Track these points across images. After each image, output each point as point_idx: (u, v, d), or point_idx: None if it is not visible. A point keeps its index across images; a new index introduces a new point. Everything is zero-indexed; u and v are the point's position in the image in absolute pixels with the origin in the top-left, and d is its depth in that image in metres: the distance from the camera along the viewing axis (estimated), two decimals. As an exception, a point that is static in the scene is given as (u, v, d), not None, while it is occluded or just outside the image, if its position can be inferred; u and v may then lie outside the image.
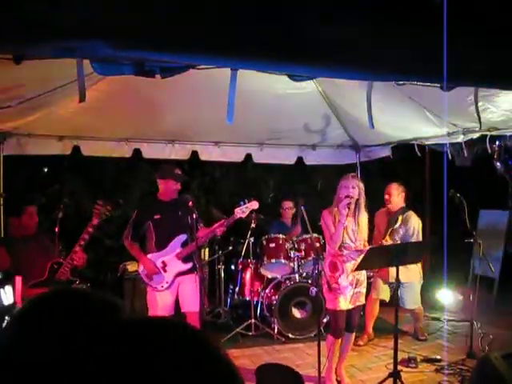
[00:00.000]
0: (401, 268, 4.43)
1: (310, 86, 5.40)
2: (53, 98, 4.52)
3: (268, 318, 6.44)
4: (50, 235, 5.06)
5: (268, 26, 2.23)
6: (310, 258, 6.39)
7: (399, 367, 4.53)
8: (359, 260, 4.41)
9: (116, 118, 5.66)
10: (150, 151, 6.67)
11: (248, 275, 6.76)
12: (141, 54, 2.34)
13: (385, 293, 6.08)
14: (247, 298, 6.69)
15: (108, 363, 0.73)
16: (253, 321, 6.31)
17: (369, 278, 5.66)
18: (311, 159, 7.55)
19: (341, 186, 4.60)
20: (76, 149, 6.28)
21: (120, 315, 1.00)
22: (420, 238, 5.87)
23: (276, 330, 6.23)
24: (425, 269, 6.42)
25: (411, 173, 8.31)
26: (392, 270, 5.17)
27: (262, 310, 6.54)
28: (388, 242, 5.72)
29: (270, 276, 6.69)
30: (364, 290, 4.77)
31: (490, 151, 5.33)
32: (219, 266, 6.98)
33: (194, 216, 4.66)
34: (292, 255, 6.50)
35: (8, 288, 2.72)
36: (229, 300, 7.10)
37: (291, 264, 6.51)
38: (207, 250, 7.14)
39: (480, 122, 3.85)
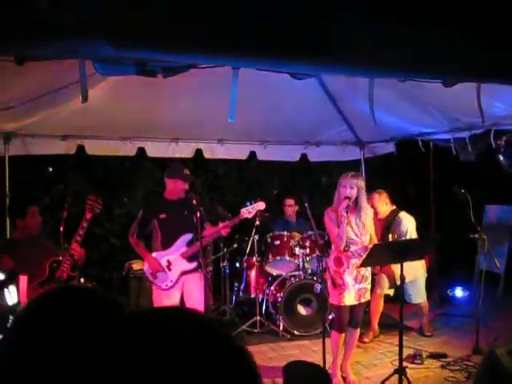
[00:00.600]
0: (405, 266, 4.43)
1: (313, 83, 5.39)
2: (56, 99, 4.53)
3: (273, 315, 6.45)
4: (48, 235, 5.11)
5: (268, 24, 2.23)
6: (315, 255, 6.40)
7: (405, 363, 4.54)
8: (364, 256, 4.42)
9: (120, 116, 5.66)
10: (154, 150, 6.68)
11: (253, 273, 6.78)
12: (142, 53, 2.35)
13: (389, 288, 6.08)
14: (252, 296, 6.71)
15: (113, 361, 0.73)
16: (258, 318, 6.32)
17: (373, 274, 5.66)
18: (315, 156, 7.55)
19: (340, 185, 4.61)
20: (80, 148, 6.30)
21: (123, 312, 1.01)
22: (414, 237, 5.88)
23: (281, 327, 6.24)
24: (429, 263, 6.40)
25: (415, 169, 8.29)
26: (397, 270, 5.17)
27: (267, 307, 6.56)
28: None
29: (274, 273, 6.71)
30: (369, 286, 4.78)
31: (494, 146, 5.31)
32: (224, 264, 6.99)
33: (199, 214, 4.67)
34: (297, 252, 6.49)
35: (12, 288, 2.74)
36: (234, 297, 7.11)
37: (296, 261, 6.51)
38: (212, 247, 7.14)
39: (483, 117, 3.84)
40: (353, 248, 4.59)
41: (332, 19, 2.03)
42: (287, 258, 6.54)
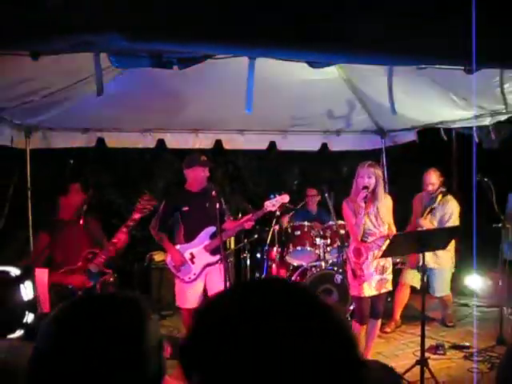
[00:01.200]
0: (430, 254, 4.37)
1: (333, 72, 5.33)
2: (76, 91, 4.56)
3: (294, 305, 6.42)
4: (98, 219, 4.98)
5: (284, 12, 2.20)
6: (336, 246, 6.36)
7: (427, 354, 4.48)
8: (384, 247, 4.38)
9: (139, 108, 5.67)
10: (174, 141, 6.69)
11: (274, 263, 6.76)
12: (156, 45, 2.34)
13: (415, 279, 5.99)
14: (273, 286, 6.69)
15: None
16: (280, 309, 6.29)
17: (395, 264, 5.61)
18: (336, 145, 7.45)
19: (358, 175, 4.56)
20: (100, 141, 6.34)
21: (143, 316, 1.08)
22: (457, 224, 5.78)
23: (303, 318, 6.21)
24: (457, 256, 6.32)
25: (437, 157, 8.16)
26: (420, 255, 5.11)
27: (288, 297, 6.53)
28: (427, 220, 5.65)
29: (295, 264, 6.68)
30: (390, 277, 4.73)
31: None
32: (245, 255, 6.99)
33: (218, 206, 4.65)
34: (317, 242, 6.46)
35: (28, 283, 2.75)
36: (255, 288, 7.09)
37: (317, 251, 6.47)
38: (233, 238, 7.14)
39: (506, 104, 3.76)
40: (371, 239, 4.55)
41: (348, 5, 1.99)
42: (308, 248, 6.50)
